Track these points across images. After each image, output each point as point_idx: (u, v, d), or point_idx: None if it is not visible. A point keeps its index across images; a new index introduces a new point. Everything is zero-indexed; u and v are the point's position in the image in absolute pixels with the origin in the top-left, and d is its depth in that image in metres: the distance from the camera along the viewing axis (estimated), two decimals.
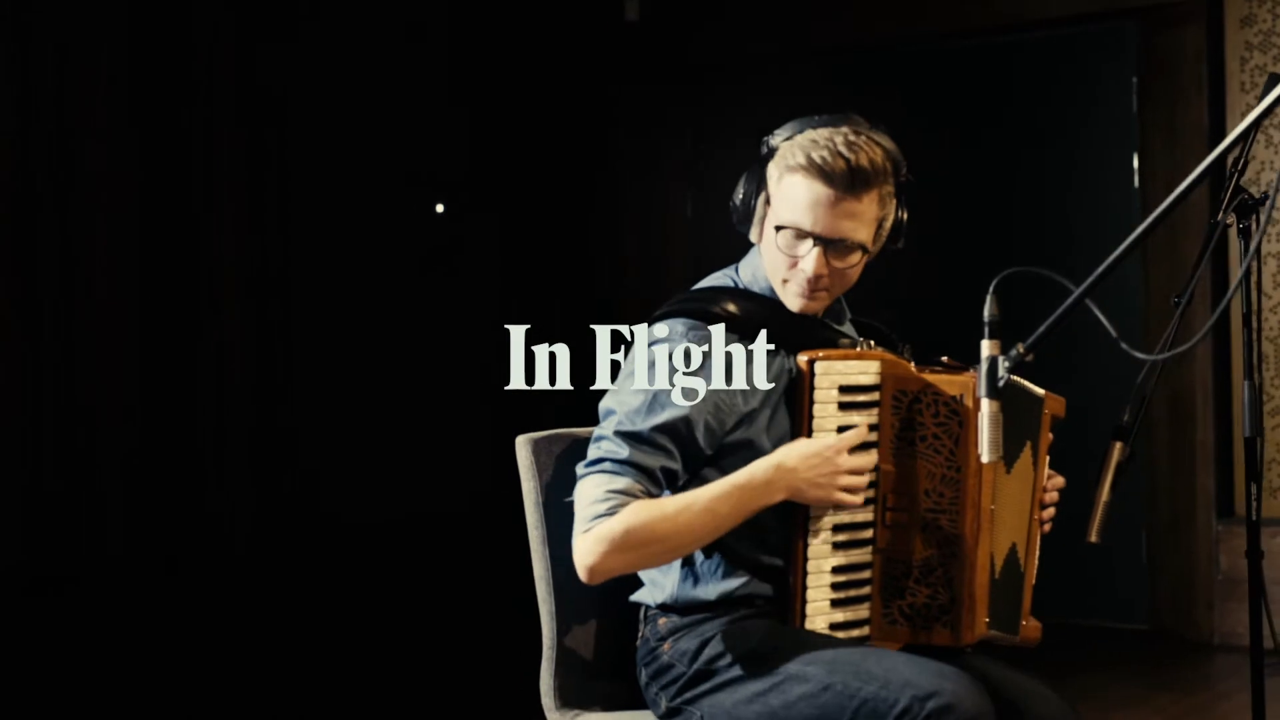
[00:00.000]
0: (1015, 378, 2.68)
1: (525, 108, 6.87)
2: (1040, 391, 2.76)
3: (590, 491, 2.41)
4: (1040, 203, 6.56)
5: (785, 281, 2.55)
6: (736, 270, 2.65)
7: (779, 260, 2.54)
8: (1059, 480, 2.83)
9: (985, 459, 2.41)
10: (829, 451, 2.45)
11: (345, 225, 6.00)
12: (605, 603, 2.68)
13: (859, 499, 2.48)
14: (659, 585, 2.58)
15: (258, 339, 5.57)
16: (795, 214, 2.49)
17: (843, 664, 2.39)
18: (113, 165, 5.10)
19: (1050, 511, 2.82)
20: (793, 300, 2.56)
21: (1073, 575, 6.14)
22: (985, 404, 2.40)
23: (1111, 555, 6.02)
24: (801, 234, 2.50)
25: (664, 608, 2.57)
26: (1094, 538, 2.78)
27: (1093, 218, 6.34)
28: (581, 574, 2.41)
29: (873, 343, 2.61)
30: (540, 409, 4.15)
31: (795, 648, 2.44)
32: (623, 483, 2.40)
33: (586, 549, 2.38)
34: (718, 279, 2.66)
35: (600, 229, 7.11)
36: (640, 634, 2.60)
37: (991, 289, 2.40)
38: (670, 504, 2.40)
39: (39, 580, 4.88)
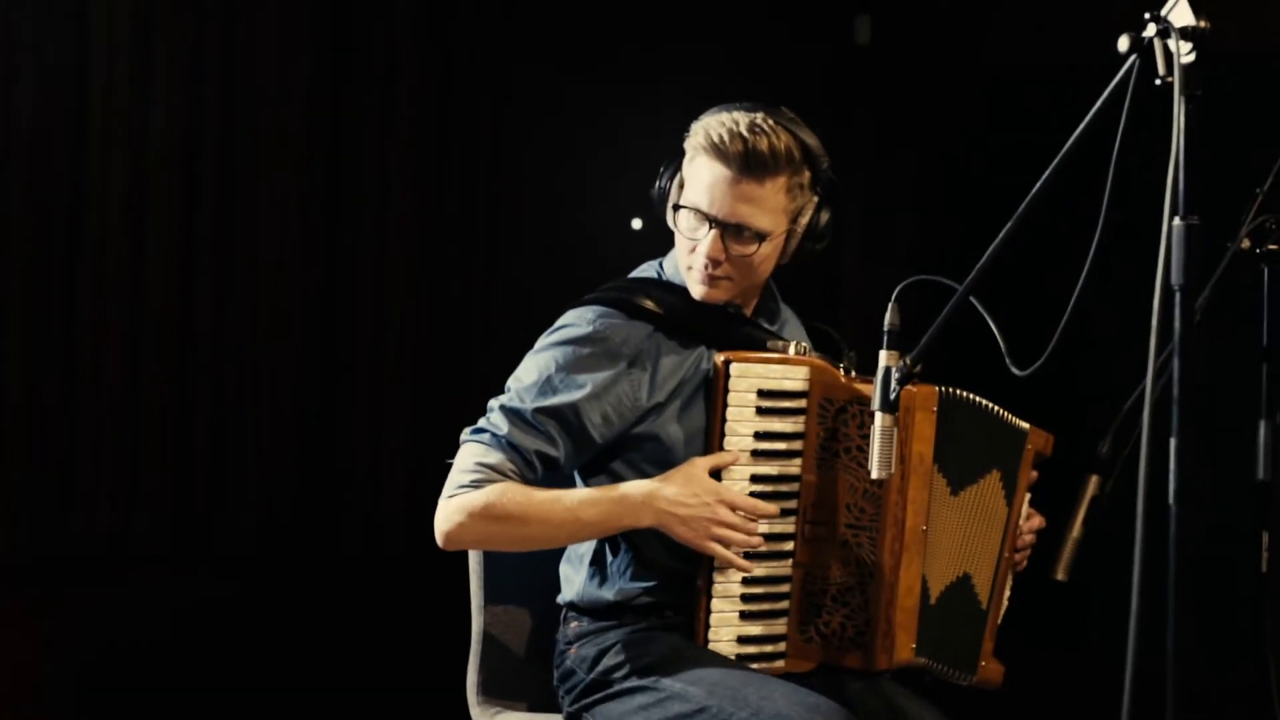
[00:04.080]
0: (996, 408, 2.56)
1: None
2: (1024, 425, 2.61)
3: (463, 460, 2.40)
4: None
5: (689, 269, 2.48)
6: (661, 263, 2.60)
7: (682, 245, 2.48)
8: (1037, 520, 2.67)
9: (874, 475, 2.30)
10: (709, 496, 2.36)
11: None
12: (535, 597, 2.66)
13: (732, 555, 2.38)
14: (570, 581, 2.54)
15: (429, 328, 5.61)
16: (694, 194, 2.43)
17: (723, 687, 2.32)
18: (281, 136, 5.23)
19: (1024, 553, 2.66)
20: (695, 287, 2.48)
21: None
22: (878, 417, 2.30)
23: None
24: (700, 215, 2.43)
25: (573, 607, 2.53)
26: (1061, 575, 2.61)
27: None
28: (439, 539, 2.39)
29: (806, 346, 2.51)
30: None
31: (685, 665, 2.38)
32: (495, 458, 2.37)
33: (445, 516, 2.37)
34: (642, 271, 2.61)
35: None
36: (557, 634, 2.57)
37: (893, 298, 2.31)
38: (537, 494, 2.36)
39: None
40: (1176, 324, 1.75)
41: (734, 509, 2.37)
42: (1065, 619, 4.95)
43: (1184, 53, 1.71)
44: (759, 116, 2.41)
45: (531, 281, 5.74)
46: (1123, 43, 1.79)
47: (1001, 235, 2.04)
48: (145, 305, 4.87)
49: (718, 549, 2.37)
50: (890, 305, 2.31)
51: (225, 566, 5.05)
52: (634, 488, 2.37)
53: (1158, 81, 1.74)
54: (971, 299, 2.17)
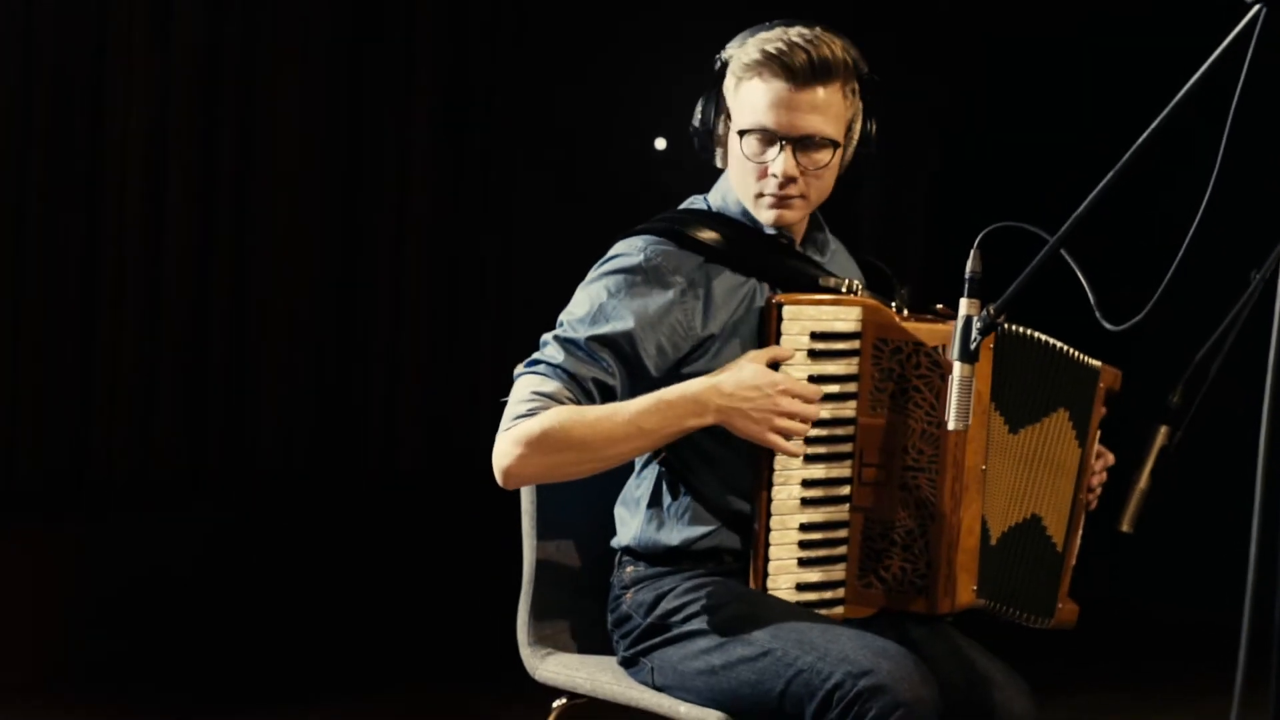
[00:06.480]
0: (1061, 345, 2.51)
1: None
2: (1095, 363, 2.57)
3: (519, 392, 2.33)
4: None
5: (758, 196, 2.42)
6: (706, 197, 2.54)
7: (748, 171, 2.41)
8: (1108, 458, 2.62)
9: (951, 426, 2.25)
10: (770, 388, 2.30)
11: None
12: (590, 537, 2.62)
13: (793, 447, 2.34)
14: (626, 525, 2.50)
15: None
16: (758, 115, 2.37)
17: (787, 631, 2.28)
18: (302, 80, 5.15)
19: (1095, 493, 2.62)
20: (765, 213, 2.42)
21: None
22: (956, 367, 2.24)
23: None
24: (768, 136, 2.37)
25: (630, 552, 2.49)
26: (1127, 527, 2.57)
27: None
28: (498, 476, 2.33)
29: (859, 284, 2.46)
30: None
31: (747, 609, 2.34)
32: (551, 386, 2.31)
33: (503, 450, 2.30)
34: (689, 204, 2.55)
35: None
36: (612, 578, 2.53)
37: (975, 244, 2.24)
38: (592, 410, 2.30)
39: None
40: None
41: (794, 396, 2.32)
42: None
43: None
44: (802, 28, 2.38)
45: (551, 212, 5.66)
46: None
47: (1100, 187, 1.97)
48: (165, 237, 4.82)
49: (779, 441, 2.31)
50: (972, 252, 2.24)
51: (247, 493, 5.01)
52: (691, 385, 2.31)
53: None
54: (1063, 251, 2.10)
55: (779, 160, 2.36)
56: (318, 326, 5.20)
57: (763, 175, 2.39)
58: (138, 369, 4.80)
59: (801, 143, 2.36)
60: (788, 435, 2.32)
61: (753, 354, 2.35)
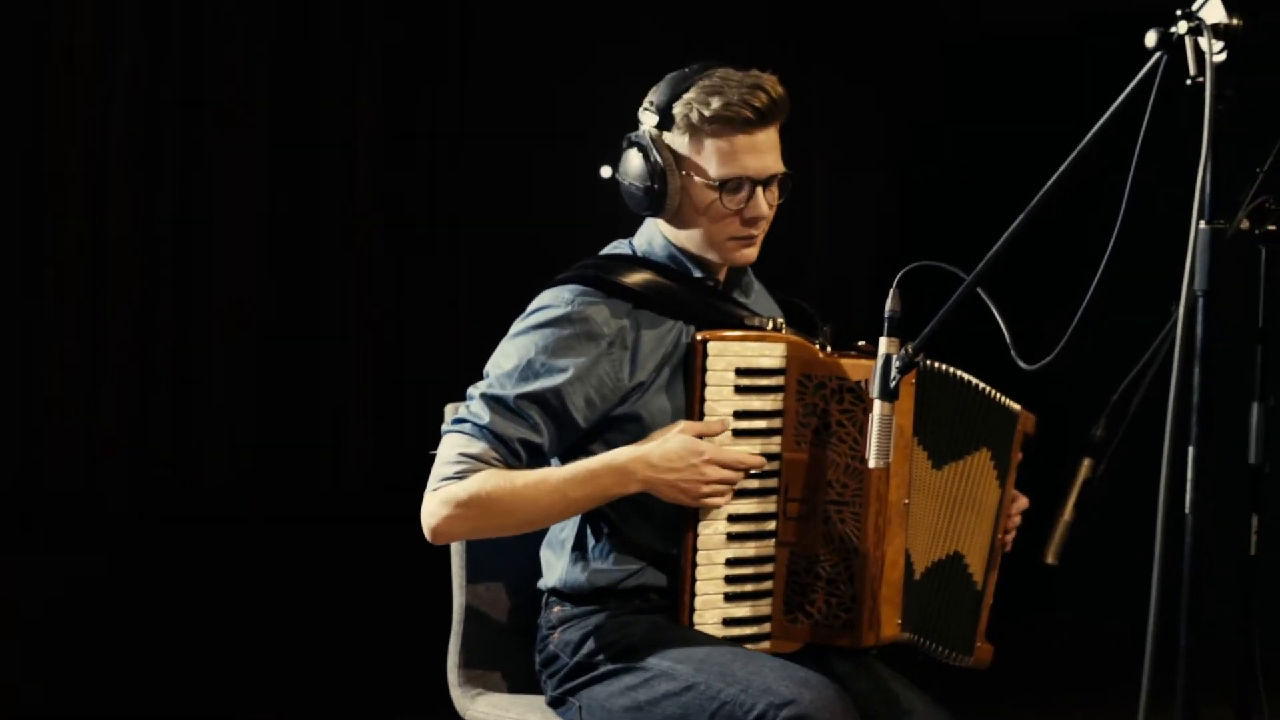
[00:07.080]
0: (982, 385, 2.53)
1: None
2: (1016, 407, 2.60)
3: (446, 452, 2.35)
4: None
5: (730, 239, 2.45)
6: (631, 242, 2.55)
7: (723, 219, 2.43)
8: (1023, 501, 2.65)
9: (871, 464, 2.27)
10: (696, 458, 2.32)
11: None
12: (519, 579, 2.61)
13: (721, 505, 2.36)
14: (551, 567, 2.50)
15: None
16: (735, 165, 2.40)
17: (710, 664, 2.30)
18: (246, 86, 5.10)
19: (1010, 535, 2.65)
20: (738, 254, 2.47)
21: None
22: (876, 405, 2.26)
23: None
24: (741, 183, 2.40)
25: (556, 593, 2.49)
26: (1051, 559, 2.59)
27: None
28: (426, 534, 2.36)
29: (782, 322, 2.48)
30: None
31: (671, 644, 2.36)
32: (478, 448, 2.33)
33: (431, 510, 2.33)
34: (614, 248, 2.56)
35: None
36: (540, 619, 2.53)
37: (895, 283, 2.27)
38: (520, 477, 2.32)
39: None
40: (1199, 331, 1.71)
41: (721, 466, 2.34)
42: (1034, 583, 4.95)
43: (1215, 51, 1.66)
44: (730, 70, 2.42)
45: (499, 230, 5.65)
46: (1150, 38, 1.74)
47: (1013, 227, 1.99)
48: (106, 251, 4.76)
49: (706, 504, 2.35)
50: (891, 291, 2.27)
51: (190, 511, 4.96)
52: (618, 455, 2.34)
53: (1188, 82, 1.69)
54: (979, 290, 2.12)
55: (758, 200, 2.41)
56: (262, 344, 5.15)
57: (734, 218, 2.42)
58: (80, 383, 4.73)
59: (768, 182, 2.42)
60: (715, 498, 2.35)
61: (683, 424, 2.37)
